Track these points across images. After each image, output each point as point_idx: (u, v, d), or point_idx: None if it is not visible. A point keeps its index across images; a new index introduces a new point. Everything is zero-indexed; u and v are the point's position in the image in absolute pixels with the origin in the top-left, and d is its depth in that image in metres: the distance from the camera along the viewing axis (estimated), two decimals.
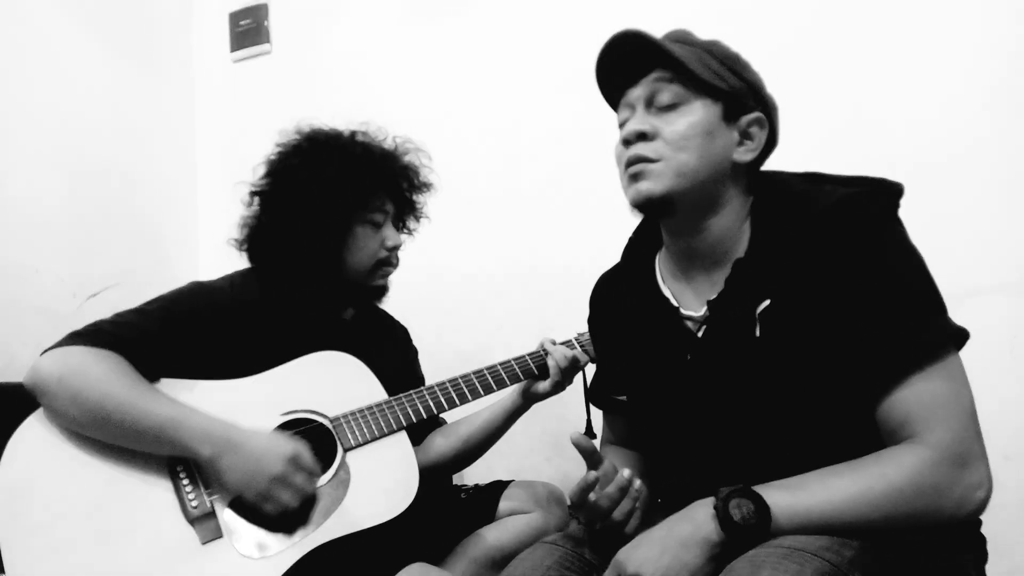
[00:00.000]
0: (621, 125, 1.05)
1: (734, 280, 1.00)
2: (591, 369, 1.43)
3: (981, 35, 1.64)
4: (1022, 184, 1.57)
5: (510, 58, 2.14)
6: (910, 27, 1.71)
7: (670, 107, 1.00)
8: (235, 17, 2.53)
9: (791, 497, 0.86)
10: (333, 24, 2.41)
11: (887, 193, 0.96)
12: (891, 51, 1.72)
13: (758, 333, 0.97)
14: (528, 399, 1.43)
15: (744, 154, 1.02)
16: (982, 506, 0.88)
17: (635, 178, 1.00)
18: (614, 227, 1.96)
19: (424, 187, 1.50)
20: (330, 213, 1.33)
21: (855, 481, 0.86)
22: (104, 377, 1.14)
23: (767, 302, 0.97)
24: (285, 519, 1.14)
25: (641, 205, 1.01)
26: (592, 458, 0.99)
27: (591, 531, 1.02)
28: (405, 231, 1.53)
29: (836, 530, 0.83)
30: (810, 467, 0.90)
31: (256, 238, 1.40)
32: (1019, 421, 1.43)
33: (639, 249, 1.18)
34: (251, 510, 1.14)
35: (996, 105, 1.62)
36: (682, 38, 1.05)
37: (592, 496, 0.96)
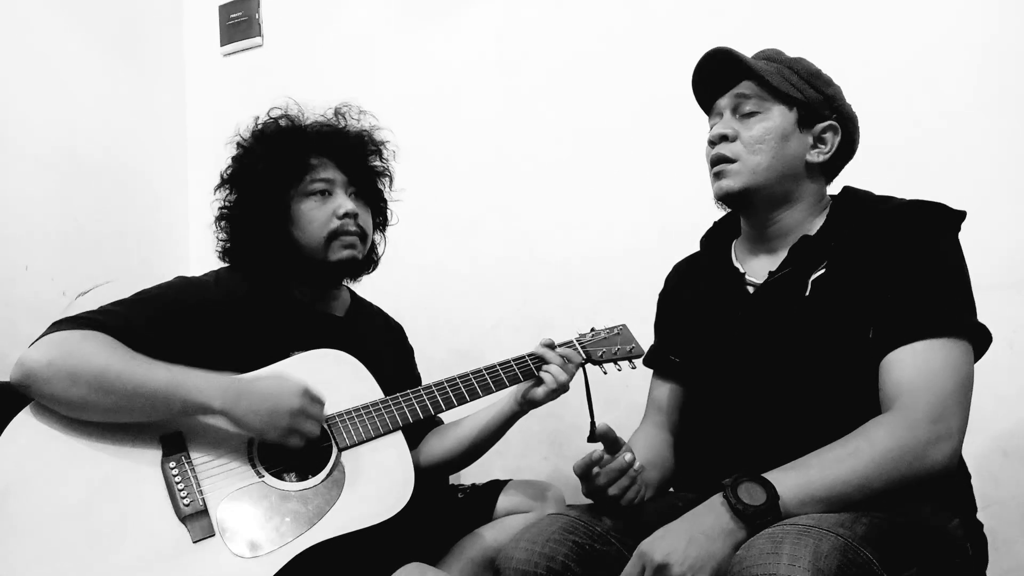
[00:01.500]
0: (711, 128, 1.22)
1: (797, 249, 1.15)
2: (593, 371, 1.41)
3: (981, 32, 1.64)
4: (1022, 181, 1.57)
5: (505, 53, 2.13)
6: (911, 23, 1.71)
7: (751, 114, 1.16)
8: (225, 10, 2.51)
9: (796, 478, 0.93)
10: (325, 17, 2.40)
11: (953, 212, 1.09)
12: (891, 48, 1.72)
13: (807, 293, 1.11)
14: (524, 405, 1.36)
15: (817, 156, 1.17)
16: (952, 455, 0.96)
17: (717, 176, 1.18)
18: (609, 225, 1.97)
19: (372, 145, 1.45)
20: (264, 192, 1.33)
21: (842, 459, 0.94)
22: (97, 350, 1.12)
23: (822, 270, 1.11)
24: (274, 521, 1.13)
25: (723, 199, 1.19)
26: (614, 446, 1.08)
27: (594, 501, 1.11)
28: (378, 200, 1.47)
29: (837, 505, 0.91)
30: (841, 423, 0.99)
31: (222, 235, 1.42)
32: (1018, 418, 1.43)
33: (717, 237, 1.33)
34: (245, 506, 1.13)
35: (995, 102, 1.62)
36: (770, 56, 1.21)
37: (595, 470, 1.06)
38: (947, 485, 1.03)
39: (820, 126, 1.17)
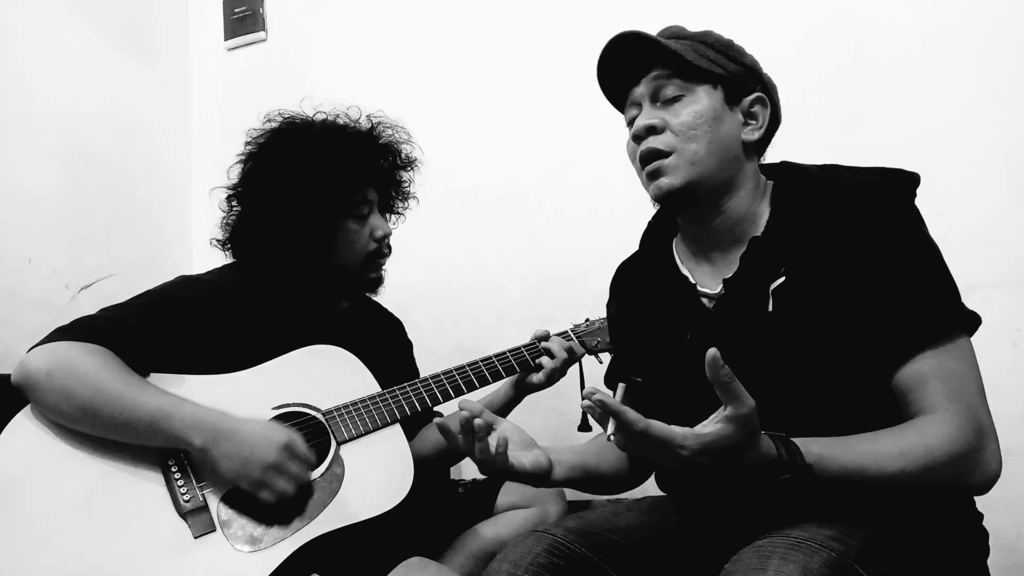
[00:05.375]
0: (629, 123, 1.08)
1: (749, 256, 1.02)
2: (588, 362, 1.41)
3: (985, 28, 1.63)
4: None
5: (509, 48, 2.12)
6: (914, 19, 1.69)
7: (674, 99, 1.03)
8: (230, 4, 2.50)
9: (834, 447, 0.85)
10: (329, 11, 2.39)
11: (905, 181, 1.00)
12: (894, 45, 1.71)
13: (771, 308, 0.99)
14: (521, 391, 1.39)
15: (751, 133, 1.06)
16: (995, 478, 0.91)
17: (653, 176, 1.03)
18: (613, 219, 1.96)
19: (407, 165, 1.45)
20: (313, 215, 1.28)
21: (896, 440, 0.87)
22: (93, 371, 1.13)
23: (782, 279, 0.99)
24: (278, 511, 1.13)
25: (663, 199, 1.04)
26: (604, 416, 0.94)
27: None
28: (395, 214, 1.48)
29: (872, 482, 0.85)
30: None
31: (239, 236, 1.37)
32: (1021, 416, 1.42)
33: (656, 235, 1.21)
34: (244, 503, 1.13)
35: (999, 100, 1.61)
36: (676, 33, 1.08)
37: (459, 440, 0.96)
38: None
39: (747, 100, 1.05)
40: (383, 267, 1.42)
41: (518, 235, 2.06)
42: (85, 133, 2.12)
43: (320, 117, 1.39)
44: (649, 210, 1.93)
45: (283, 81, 2.40)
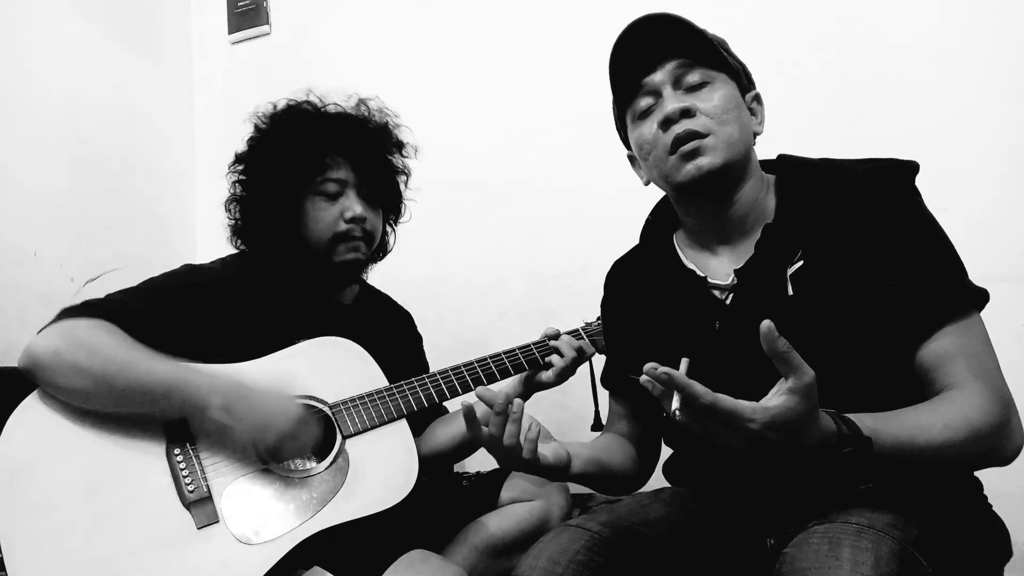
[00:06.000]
0: (643, 112, 1.06)
1: (764, 244, 1.02)
2: (599, 360, 1.40)
3: (987, 19, 1.62)
4: None
5: (513, 40, 2.12)
6: (917, 15, 1.69)
7: (699, 86, 1.03)
8: None
9: (885, 421, 0.85)
10: (332, 4, 2.39)
11: (906, 168, 1.02)
12: (897, 41, 1.70)
13: (790, 292, 1.00)
14: (530, 388, 1.38)
15: (757, 126, 1.08)
16: (1020, 448, 0.93)
17: (692, 155, 1.01)
18: (618, 213, 1.95)
19: (393, 147, 1.41)
20: (275, 188, 1.31)
21: (938, 414, 0.88)
22: (103, 343, 1.12)
23: (799, 263, 1.00)
24: (282, 504, 1.13)
25: (700, 180, 1.01)
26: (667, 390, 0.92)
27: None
28: (388, 202, 1.43)
29: (921, 454, 0.85)
30: None
31: (233, 220, 1.40)
32: None
33: (656, 230, 1.20)
34: (248, 494, 1.13)
35: (1002, 94, 1.60)
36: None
37: (485, 430, 0.94)
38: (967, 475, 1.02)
39: (749, 95, 1.09)
40: (358, 250, 1.36)
41: (521, 229, 2.06)
42: (90, 127, 2.13)
43: (303, 99, 1.39)
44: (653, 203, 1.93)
45: (287, 74, 2.39)
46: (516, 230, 2.07)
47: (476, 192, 2.11)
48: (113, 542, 1.07)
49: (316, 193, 1.32)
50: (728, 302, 1.05)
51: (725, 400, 0.76)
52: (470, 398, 1.36)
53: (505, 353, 1.36)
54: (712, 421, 0.78)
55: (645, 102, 1.06)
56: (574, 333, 1.41)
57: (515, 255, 2.06)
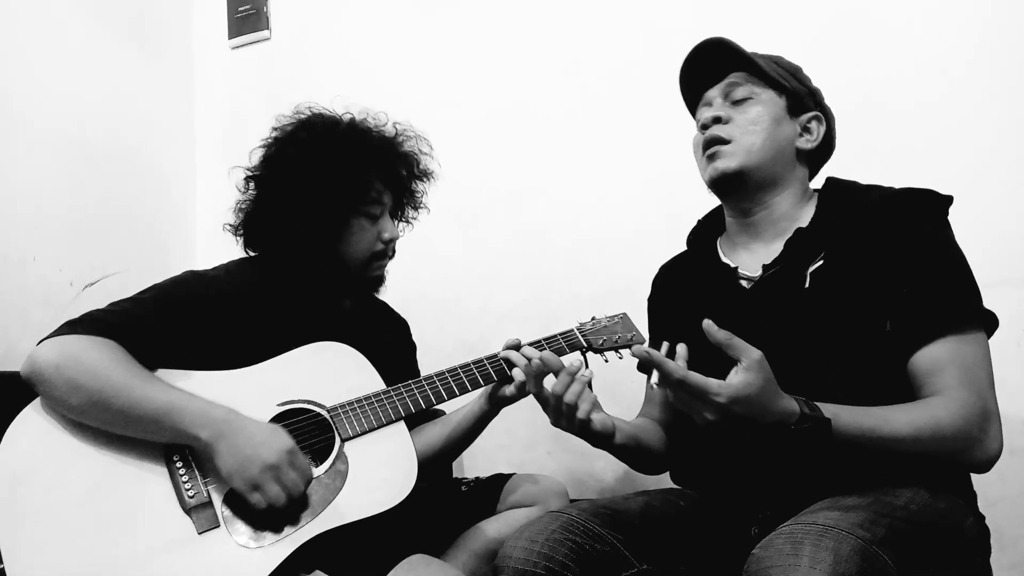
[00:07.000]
0: (700, 124, 1.22)
1: (792, 243, 1.14)
2: (595, 360, 1.40)
3: (991, 27, 1.63)
4: None
5: (513, 45, 2.12)
6: (920, 13, 1.69)
7: (744, 100, 1.18)
8: (234, 3, 2.51)
9: (850, 410, 0.95)
10: (333, 10, 2.39)
11: (939, 197, 1.11)
12: (900, 41, 1.70)
13: (807, 285, 1.10)
14: (495, 404, 1.35)
15: (805, 143, 1.21)
16: (996, 457, 1.01)
17: (712, 158, 1.18)
18: (618, 214, 1.96)
19: (424, 176, 1.48)
20: (327, 205, 1.31)
21: (908, 412, 0.98)
22: (102, 364, 1.13)
23: (820, 262, 1.11)
24: (282, 508, 1.13)
25: (717, 180, 1.18)
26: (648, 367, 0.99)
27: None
28: (403, 221, 1.51)
29: (883, 444, 0.95)
30: None
31: (252, 224, 1.39)
32: None
33: (703, 235, 1.33)
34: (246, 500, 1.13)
35: (1005, 97, 1.60)
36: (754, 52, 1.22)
37: (548, 387, 1.09)
38: (955, 474, 1.05)
39: (806, 116, 1.21)
40: (385, 268, 1.44)
41: (523, 231, 2.06)
42: (90, 130, 2.13)
43: (348, 116, 1.41)
44: (652, 210, 1.94)
45: (287, 80, 2.41)
46: (517, 234, 2.07)
47: (477, 196, 2.12)
48: (114, 548, 1.07)
49: (362, 214, 1.36)
50: (750, 290, 1.17)
51: (694, 376, 0.91)
52: (470, 398, 1.36)
53: (488, 359, 1.33)
54: (687, 395, 0.92)
55: (701, 114, 1.22)
56: (568, 333, 1.38)
57: (516, 258, 2.06)
